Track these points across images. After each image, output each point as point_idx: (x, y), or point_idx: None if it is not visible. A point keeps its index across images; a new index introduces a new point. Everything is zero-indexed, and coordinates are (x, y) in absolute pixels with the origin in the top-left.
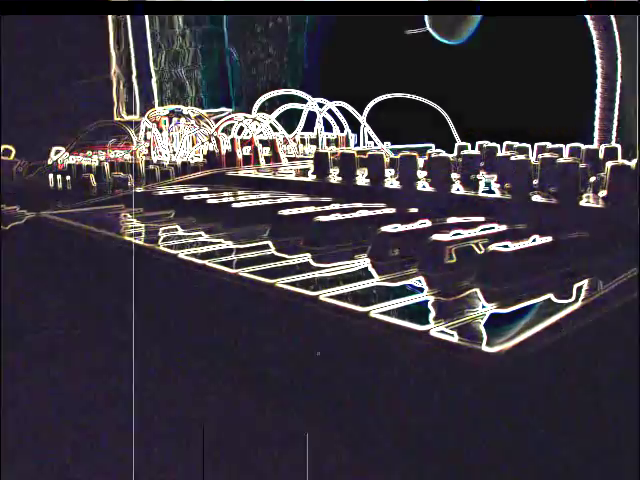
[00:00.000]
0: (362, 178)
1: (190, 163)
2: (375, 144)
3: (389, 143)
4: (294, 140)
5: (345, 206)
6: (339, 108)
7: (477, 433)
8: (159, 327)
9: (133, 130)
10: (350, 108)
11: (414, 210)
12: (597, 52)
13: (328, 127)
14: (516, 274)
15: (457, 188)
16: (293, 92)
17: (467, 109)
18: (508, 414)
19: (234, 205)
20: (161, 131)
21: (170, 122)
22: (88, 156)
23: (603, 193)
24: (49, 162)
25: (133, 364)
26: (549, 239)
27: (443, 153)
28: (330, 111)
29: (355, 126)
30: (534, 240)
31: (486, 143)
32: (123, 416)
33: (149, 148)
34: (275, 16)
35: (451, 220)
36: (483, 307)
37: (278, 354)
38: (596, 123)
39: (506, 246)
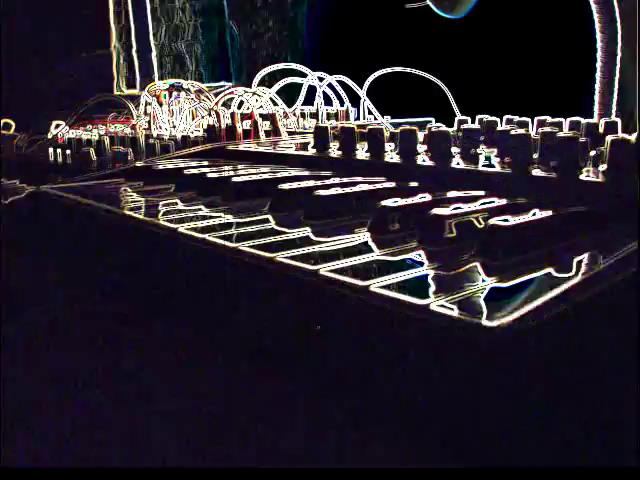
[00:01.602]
0: (362, 152)
1: (190, 137)
2: (375, 118)
3: (389, 117)
4: (294, 114)
5: (345, 180)
6: (339, 82)
7: (477, 407)
8: (159, 301)
9: (133, 104)
10: (350, 82)
11: (414, 184)
12: (597, 25)
13: (328, 101)
14: (516, 248)
15: (457, 162)
16: (293, 66)
17: (467, 82)
18: (508, 388)
19: (234, 179)
20: (161, 105)
21: (170, 96)
22: (88, 130)
23: (603, 167)
24: (49, 136)
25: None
26: (549, 213)
27: (443, 127)
28: (330, 85)
29: (355, 100)
30: (534, 214)
31: (486, 117)
32: (123, 390)
33: (149, 122)
34: None
35: (451, 194)
36: (483, 281)
37: (278, 328)
38: (596, 97)
39: (506, 220)
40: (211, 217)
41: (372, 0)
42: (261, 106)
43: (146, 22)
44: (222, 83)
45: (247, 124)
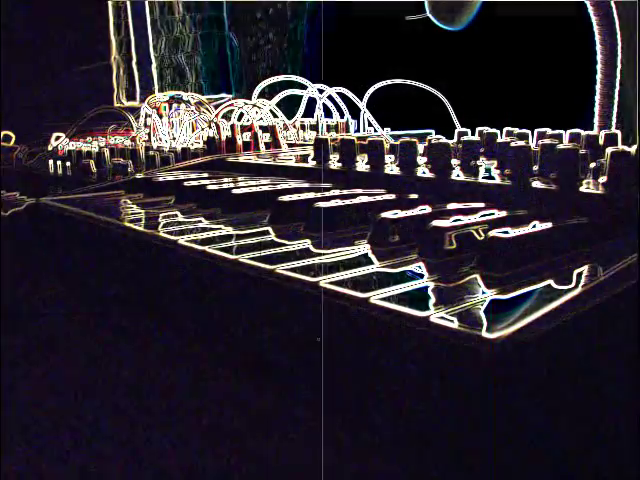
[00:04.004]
0: (362, 164)
1: (190, 149)
2: (375, 130)
3: (389, 129)
4: (294, 126)
5: (345, 192)
6: (339, 94)
7: (477, 419)
8: (159, 313)
9: (133, 116)
10: (350, 94)
11: (414, 196)
12: (597, 37)
13: (328, 113)
14: (516, 260)
15: (457, 174)
16: (293, 78)
17: (467, 95)
18: (508, 400)
19: (234, 191)
20: (161, 117)
21: (170, 108)
22: (88, 142)
23: (603, 179)
24: (49, 148)
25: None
26: (549, 225)
27: (443, 139)
28: (330, 97)
29: (355, 112)
30: (534, 226)
31: (486, 129)
32: (123, 402)
33: (149, 134)
34: (275, 2)
35: (451, 206)
36: (483, 293)
37: (278, 340)
38: (596, 109)
39: (506, 232)
40: (211, 229)
41: (372, 12)
42: (261, 118)
43: (146, 34)
44: (222, 95)
45: (247, 136)
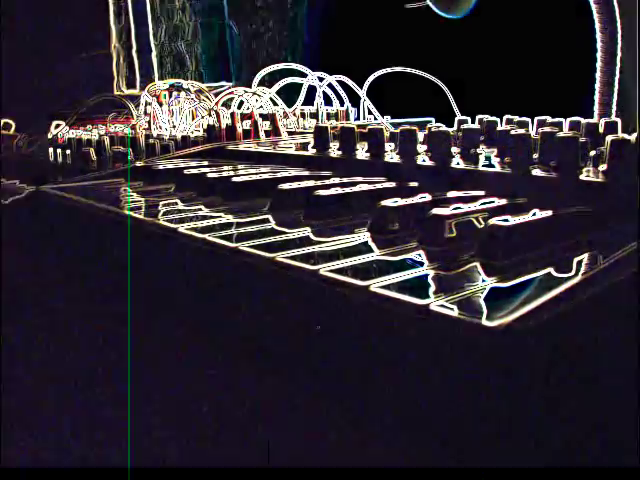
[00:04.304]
0: (362, 152)
1: (190, 137)
2: (375, 118)
3: (389, 117)
4: (294, 114)
5: (345, 180)
6: (339, 82)
7: (477, 407)
8: (158, 301)
9: (133, 104)
10: (350, 82)
11: (414, 184)
12: (597, 25)
13: (328, 101)
14: (516, 248)
15: (457, 162)
16: (293, 66)
17: (467, 83)
18: (508, 388)
19: (234, 179)
20: (161, 105)
21: (170, 96)
22: (88, 130)
23: (603, 167)
24: (49, 136)
25: (131, 338)
26: (549, 213)
27: (443, 127)
28: (330, 85)
29: (355, 100)
30: (534, 214)
31: (486, 117)
32: (122, 390)
33: (149, 122)
34: None
35: (451, 194)
36: (483, 281)
37: (278, 328)
38: (596, 97)
39: (506, 220)
40: (211, 217)
41: (372, 0)
42: (261, 106)
43: (146, 22)
44: (222, 83)
45: (247, 124)
